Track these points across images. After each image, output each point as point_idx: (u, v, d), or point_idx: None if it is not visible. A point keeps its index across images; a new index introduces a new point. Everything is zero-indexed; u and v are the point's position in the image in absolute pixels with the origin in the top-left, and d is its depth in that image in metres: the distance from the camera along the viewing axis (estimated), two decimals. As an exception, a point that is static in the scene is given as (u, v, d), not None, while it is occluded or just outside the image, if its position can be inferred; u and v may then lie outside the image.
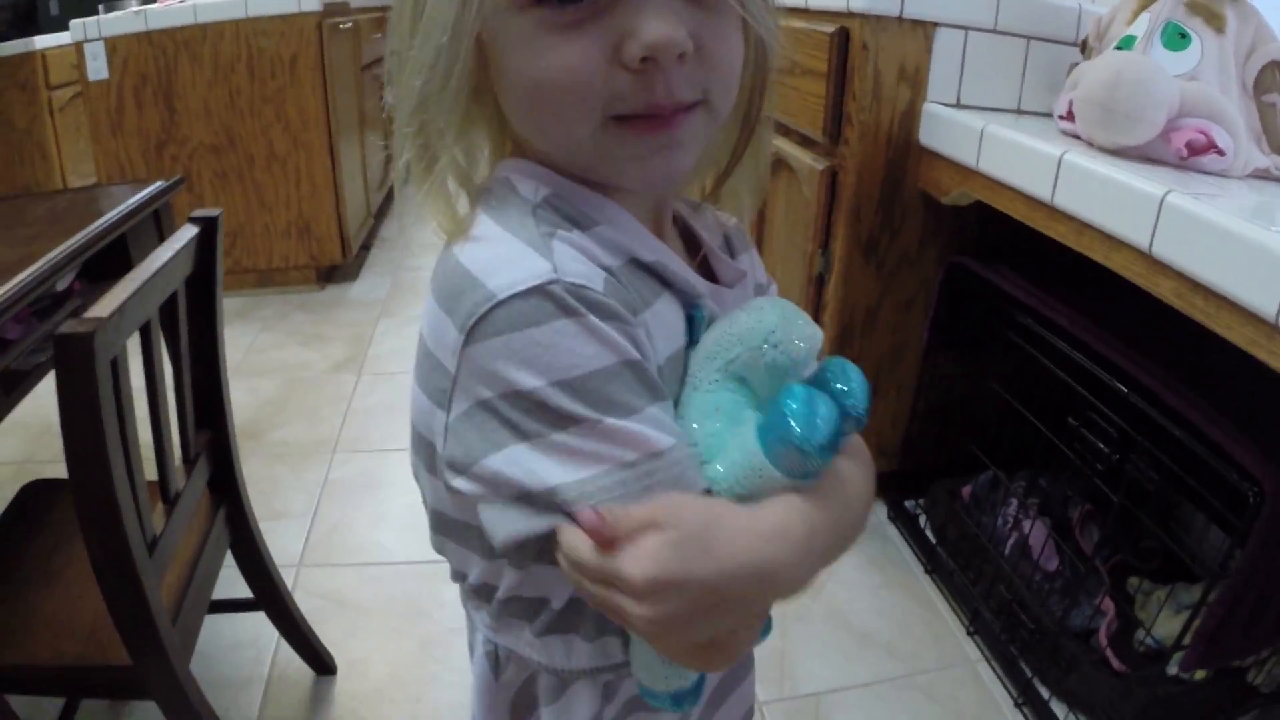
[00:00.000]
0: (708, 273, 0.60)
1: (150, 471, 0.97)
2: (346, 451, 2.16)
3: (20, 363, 1.32)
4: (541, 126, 0.51)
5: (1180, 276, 0.96)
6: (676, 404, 0.51)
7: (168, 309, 1.06)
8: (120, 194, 1.64)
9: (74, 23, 2.89)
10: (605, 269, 0.48)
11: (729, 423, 0.49)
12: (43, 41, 4.51)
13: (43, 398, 1.22)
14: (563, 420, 0.44)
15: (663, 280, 0.53)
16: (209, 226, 1.17)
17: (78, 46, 2.88)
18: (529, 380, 0.44)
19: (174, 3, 3.04)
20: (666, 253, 0.54)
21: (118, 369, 0.88)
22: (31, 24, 6.61)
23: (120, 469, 0.85)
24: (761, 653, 1.47)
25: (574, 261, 0.47)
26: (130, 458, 0.90)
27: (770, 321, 0.50)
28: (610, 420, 0.44)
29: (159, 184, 1.68)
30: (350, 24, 3.24)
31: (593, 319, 0.45)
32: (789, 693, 1.46)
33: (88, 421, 0.82)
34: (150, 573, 0.91)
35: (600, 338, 0.45)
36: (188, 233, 1.14)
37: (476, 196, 0.53)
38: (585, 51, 0.46)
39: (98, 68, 2.89)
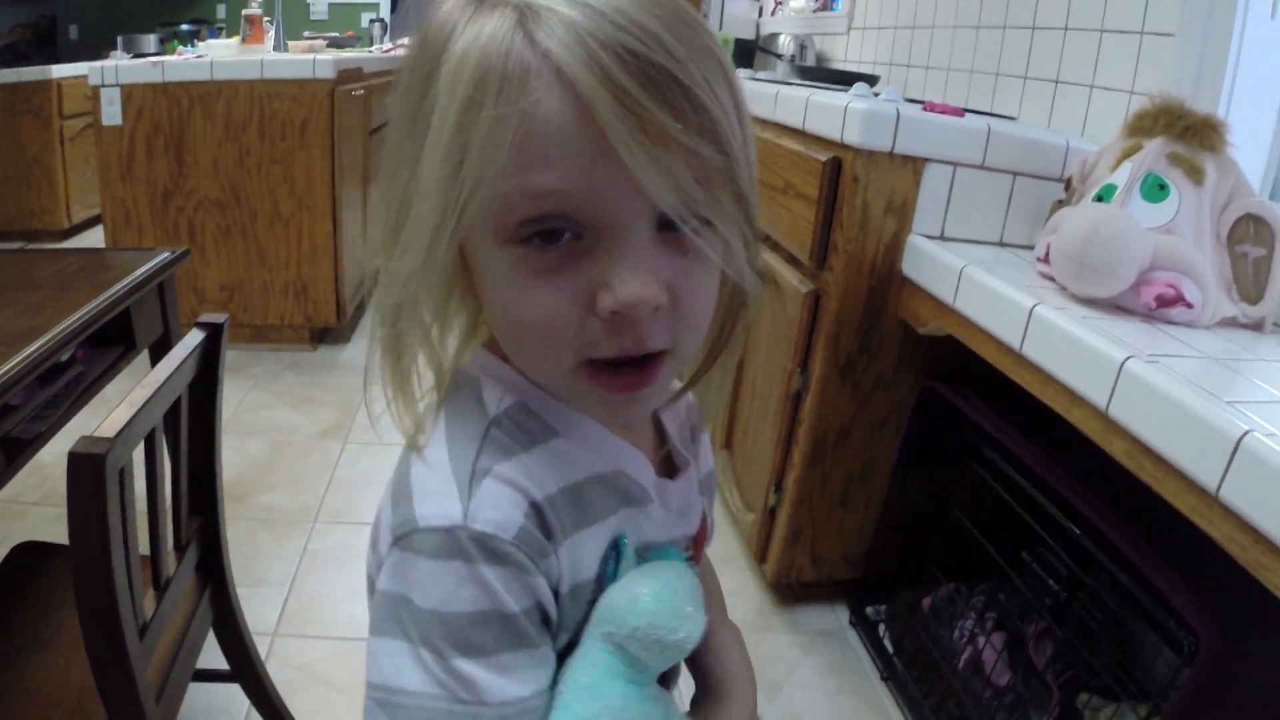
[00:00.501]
0: (671, 463, 0.64)
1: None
2: (328, 522, 2.18)
3: (22, 430, 1.34)
4: (518, 356, 0.53)
5: (1133, 439, 1.03)
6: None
7: (171, 412, 1.10)
8: (127, 261, 1.66)
9: (91, 67, 2.95)
10: (533, 502, 0.51)
11: (600, 680, 0.54)
12: (60, 71, 4.59)
13: (46, 469, 1.24)
14: (428, 643, 0.48)
15: (617, 488, 0.57)
16: (215, 332, 1.20)
17: (95, 90, 2.94)
18: (418, 599, 0.48)
19: (192, 57, 3.11)
20: (626, 458, 0.58)
21: (123, 476, 0.92)
22: (51, 46, 6.71)
23: (122, 569, 0.89)
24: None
25: (492, 508, 0.50)
26: (129, 555, 0.94)
27: (640, 614, 0.53)
28: (460, 661, 0.48)
29: (164, 255, 1.71)
30: (362, 90, 3.33)
31: (482, 568, 0.48)
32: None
33: (96, 532, 0.86)
34: (140, 657, 0.94)
35: (481, 586, 0.48)
36: (194, 339, 1.16)
37: (445, 388, 0.57)
38: (560, 298, 0.47)
39: (113, 113, 2.95)
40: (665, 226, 0.47)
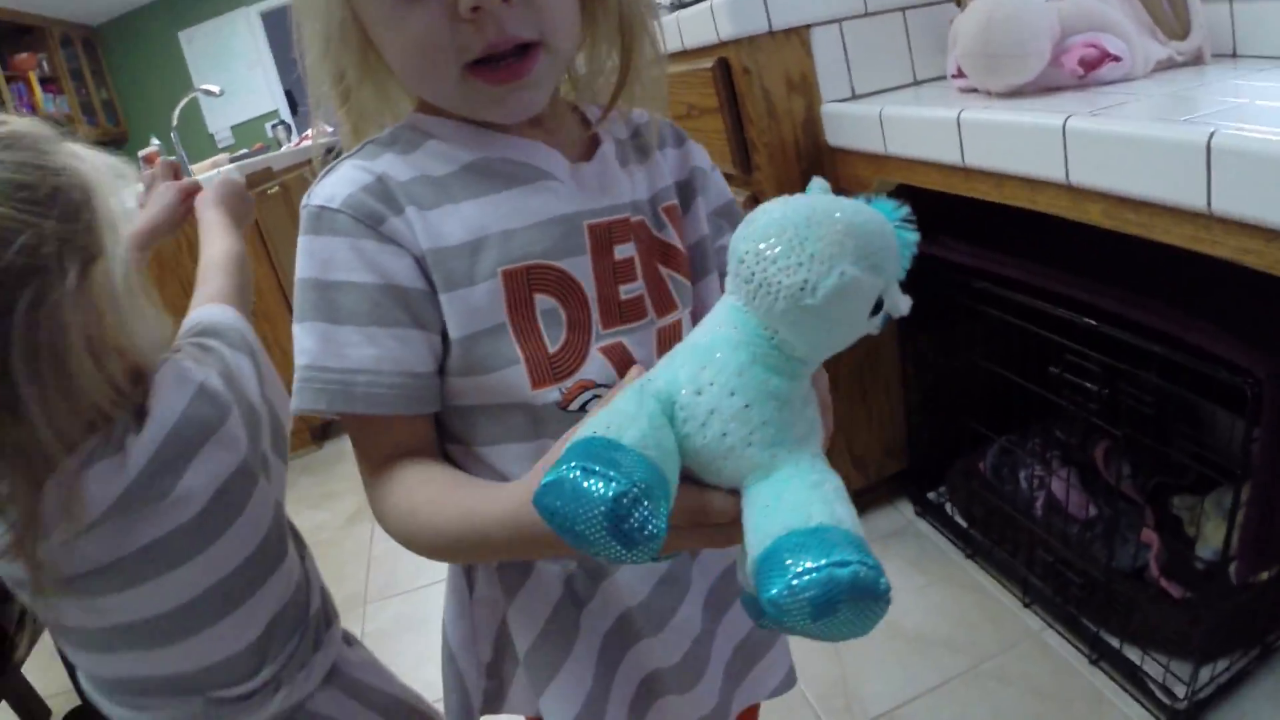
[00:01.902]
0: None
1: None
2: (378, 601, 2.13)
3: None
4: (414, 84, 0.62)
5: (1105, 197, 0.95)
6: None
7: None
8: None
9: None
10: (378, 175, 0.60)
11: (714, 339, 0.45)
12: None
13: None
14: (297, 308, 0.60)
15: (497, 172, 0.63)
16: None
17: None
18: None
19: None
20: (519, 149, 0.64)
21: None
22: None
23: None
24: (821, 685, 1.42)
25: (328, 186, 0.60)
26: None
27: (752, 233, 0.43)
28: (298, 326, 0.60)
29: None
30: (276, 187, 3.28)
31: (313, 240, 0.59)
32: (860, 718, 1.41)
33: None
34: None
35: (309, 255, 0.59)
36: None
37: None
38: (428, 16, 0.55)
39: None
40: None
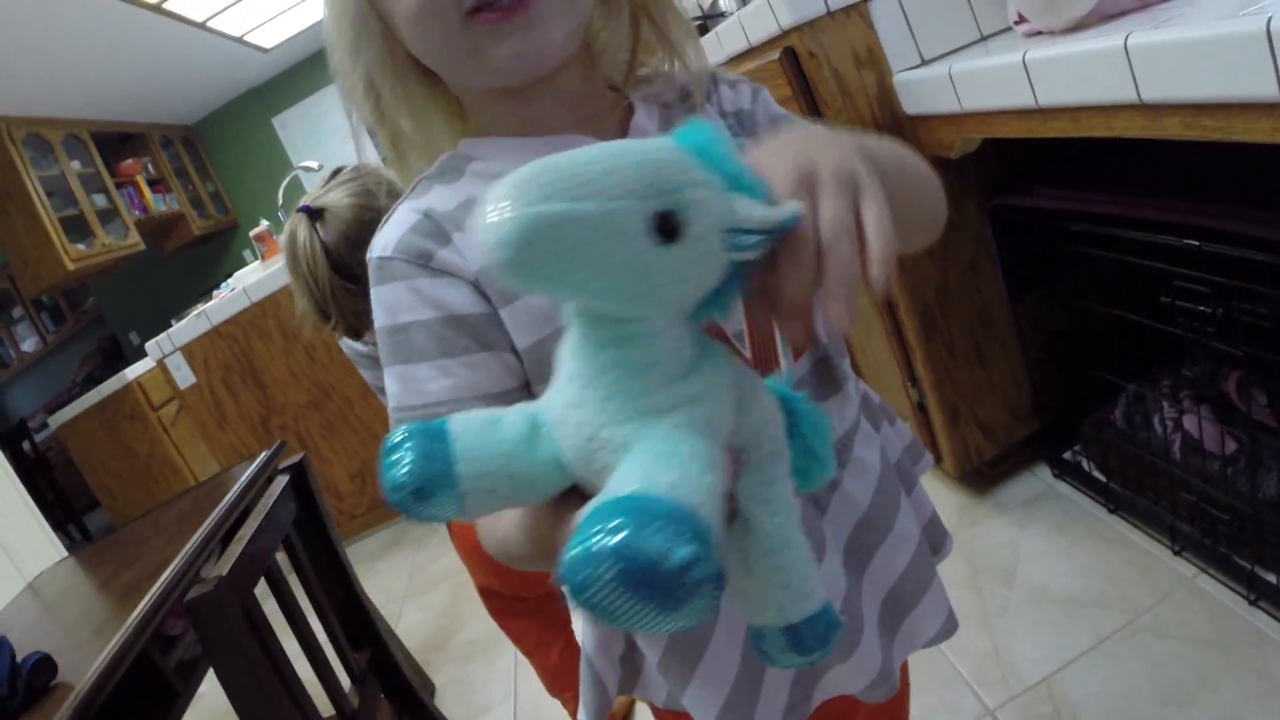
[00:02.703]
0: None
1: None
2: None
3: (191, 651, 1.40)
4: (425, 51, 0.61)
5: (1180, 108, 0.93)
6: None
7: (292, 556, 1.13)
8: (234, 474, 1.75)
9: (150, 344, 3.17)
10: (425, 212, 0.62)
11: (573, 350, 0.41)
12: (133, 372, 4.92)
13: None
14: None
15: None
16: (298, 471, 1.25)
17: (160, 364, 3.16)
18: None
19: (225, 295, 3.29)
20: (555, 146, 0.61)
21: (252, 616, 0.93)
22: (120, 359, 7.21)
23: (282, 699, 0.89)
24: (974, 660, 1.40)
25: (383, 235, 0.63)
26: (293, 692, 0.94)
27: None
28: (384, 371, 0.62)
29: (264, 454, 1.79)
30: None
31: (380, 290, 0.62)
32: (1016, 689, 1.38)
33: (238, 666, 0.87)
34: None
35: (376, 302, 0.62)
36: (279, 484, 1.21)
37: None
38: None
39: (184, 376, 3.16)
40: None
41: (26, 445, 6.27)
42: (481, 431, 0.40)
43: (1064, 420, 1.76)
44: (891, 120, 1.53)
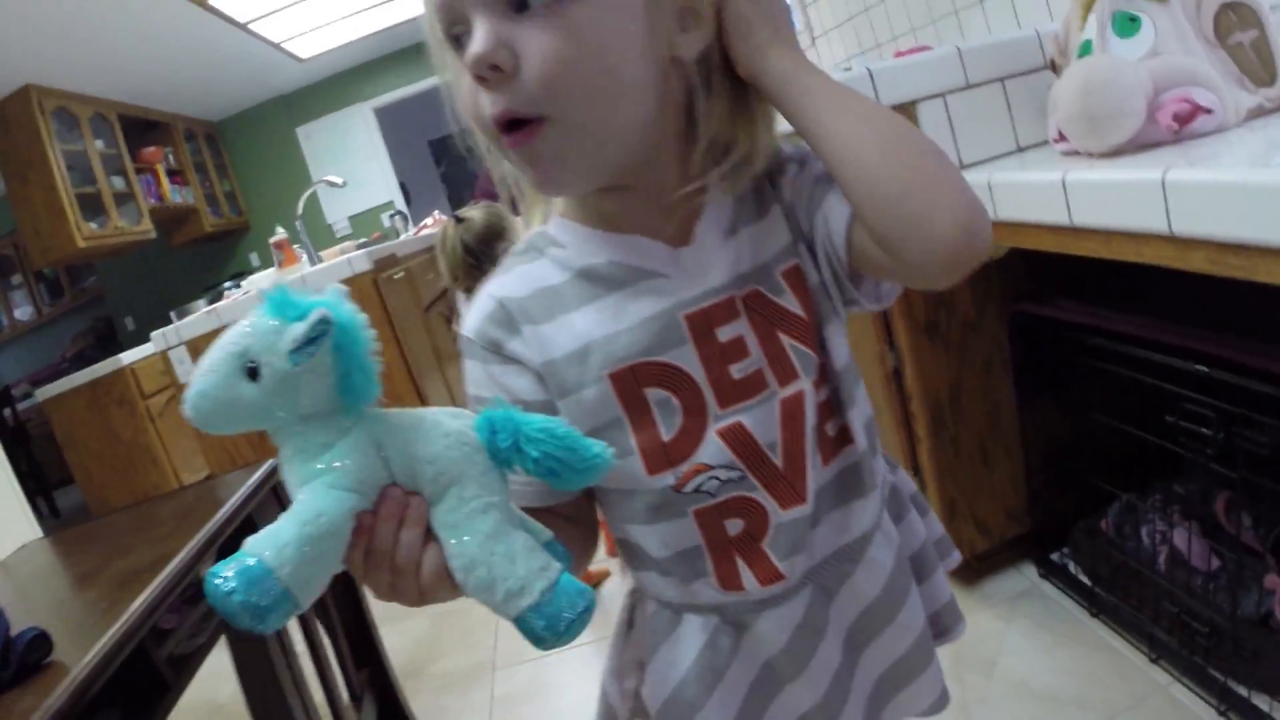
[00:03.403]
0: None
1: None
2: (507, 667, 2.20)
3: (183, 647, 1.41)
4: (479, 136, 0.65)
5: (1207, 244, 0.99)
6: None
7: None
8: (237, 480, 1.77)
9: (155, 334, 3.17)
10: (500, 301, 0.68)
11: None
12: (129, 357, 4.91)
13: (202, 680, 1.31)
14: None
15: (607, 278, 0.68)
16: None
17: (163, 355, 3.15)
18: None
19: (239, 295, 3.31)
20: (624, 247, 0.67)
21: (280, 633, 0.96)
22: (113, 342, 7.20)
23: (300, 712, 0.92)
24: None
25: (469, 318, 0.70)
26: (306, 704, 0.97)
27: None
28: None
29: (270, 462, 1.81)
30: (402, 273, 3.49)
31: (465, 363, 0.70)
32: (992, 775, 1.41)
33: (264, 674, 0.90)
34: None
35: (464, 371, 0.70)
36: None
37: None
38: (466, 77, 0.59)
39: (186, 370, 3.15)
40: (521, 7, 0.56)
41: (8, 412, 6.23)
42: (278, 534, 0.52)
43: (1056, 523, 1.81)
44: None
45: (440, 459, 0.54)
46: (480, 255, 2.10)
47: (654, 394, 0.67)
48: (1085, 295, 1.47)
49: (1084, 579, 1.73)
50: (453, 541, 0.54)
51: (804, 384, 0.69)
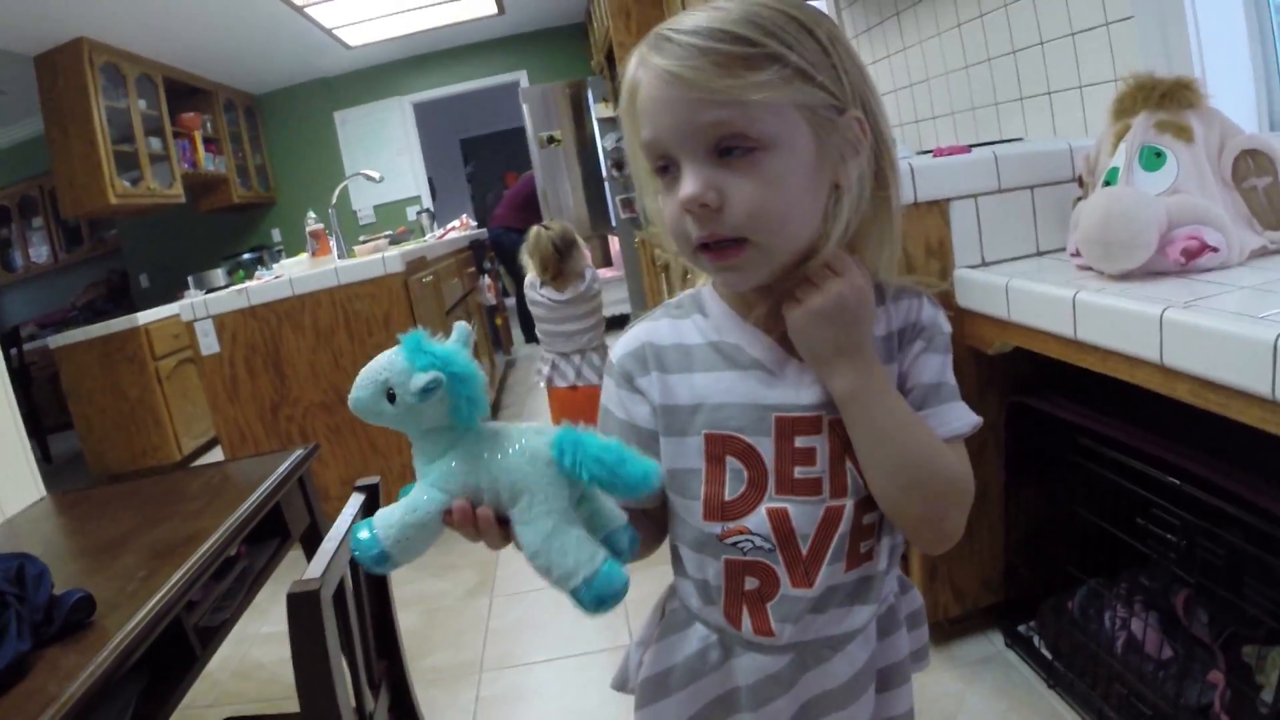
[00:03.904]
0: None
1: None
2: (494, 670, 2.30)
3: (208, 619, 1.52)
4: (680, 254, 0.79)
5: (1193, 379, 1.13)
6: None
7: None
8: (266, 464, 1.85)
9: (183, 305, 3.25)
10: (644, 342, 0.85)
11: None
12: (145, 317, 5.00)
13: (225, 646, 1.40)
14: None
15: (728, 355, 0.82)
16: (372, 491, 1.38)
17: (189, 326, 3.23)
18: None
19: (270, 279, 3.41)
20: (747, 336, 0.82)
21: (338, 608, 1.08)
22: (125, 297, 7.29)
23: (345, 698, 1.04)
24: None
25: (622, 343, 0.87)
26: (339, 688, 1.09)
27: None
28: None
29: (299, 452, 1.91)
30: (431, 276, 3.61)
31: (607, 379, 0.89)
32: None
33: (319, 661, 1.02)
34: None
35: (606, 390, 0.89)
36: (357, 500, 1.35)
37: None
38: (673, 204, 0.74)
39: (209, 343, 3.24)
40: (724, 153, 0.71)
41: (14, 352, 6.30)
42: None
43: (1026, 597, 1.94)
44: (945, 308, 1.72)
45: (515, 471, 0.71)
46: (562, 253, 3.00)
47: (732, 461, 0.82)
48: (1080, 393, 1.61)
49: (1045, 652, 1.87)
50: (522, 534, 0.72)
51: (849, 502, 0.81)
